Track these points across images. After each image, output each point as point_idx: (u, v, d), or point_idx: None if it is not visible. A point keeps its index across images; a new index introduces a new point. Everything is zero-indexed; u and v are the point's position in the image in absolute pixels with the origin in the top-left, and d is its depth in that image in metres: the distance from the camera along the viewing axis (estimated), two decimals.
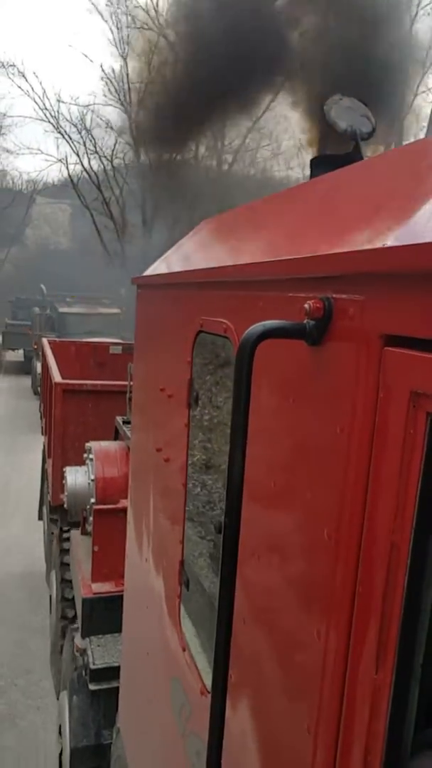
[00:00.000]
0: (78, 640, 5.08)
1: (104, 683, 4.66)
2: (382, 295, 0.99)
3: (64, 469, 5.58)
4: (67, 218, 40.56)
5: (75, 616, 5.85)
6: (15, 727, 5.80)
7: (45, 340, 9.61)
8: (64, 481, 5.56)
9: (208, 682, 1.85)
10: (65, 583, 6.36)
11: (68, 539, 6.60)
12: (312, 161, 3.50)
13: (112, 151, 27.12)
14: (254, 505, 1.35)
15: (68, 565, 6.41)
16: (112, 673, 4.60)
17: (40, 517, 9.80)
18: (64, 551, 6.65)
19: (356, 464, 1.03)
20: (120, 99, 25.97)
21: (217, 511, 2.14)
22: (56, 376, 6.68)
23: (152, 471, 2.59)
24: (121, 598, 4.10)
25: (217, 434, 2.19)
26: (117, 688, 4.27)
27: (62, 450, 6.39)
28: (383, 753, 1.00)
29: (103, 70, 26.21)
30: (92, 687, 4.70)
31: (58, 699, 5.85)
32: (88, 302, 19.51)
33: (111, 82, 25.84)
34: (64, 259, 34.37)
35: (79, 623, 5.15)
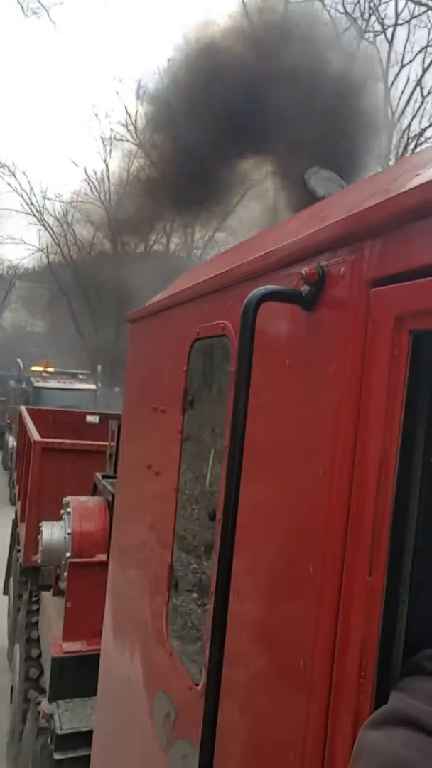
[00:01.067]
0: (44, 705, 4.82)
1: (71, 752, 4.40)
2: (367, 249, 1.19)
3: (40, 524, 5.50)
4: (45, 302, 41.48)
5: (40, 693, 5.58)
6: None
7: (23, 408, 9.67)
8: (39, 537, 5.47)
9: (195, 675, 1.86)
10: (30, 661, 6.06)
11: (37, 609, 6.39)
12: None
13: (91, 243, 28.93)
14: (253, 453, 1.47)
15: (36, 640, 6.15)
16: (81, 739, 4.35)
17: (5, 592, 9.44)
18: (32, 622, 6.41)
19: (348, 395, 1.18)
20: (101, 198, 28.21)
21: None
22: (35, 435, 6.71)
23: (142, 486, 2.67)
24: (93, 658, 3.97)
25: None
26: (85, 757, 4.05)
27: (38, 509, 6.32)
28: (377, 655, 1.08)
29: (86, 173, 28.61)
30: (57, 756, 4.43)
31: None
32: (64, 378, 19.58)
33: (93, 183, 28.15)
34: (40, 341, 34.91)
35: (47, 686, 4.91)
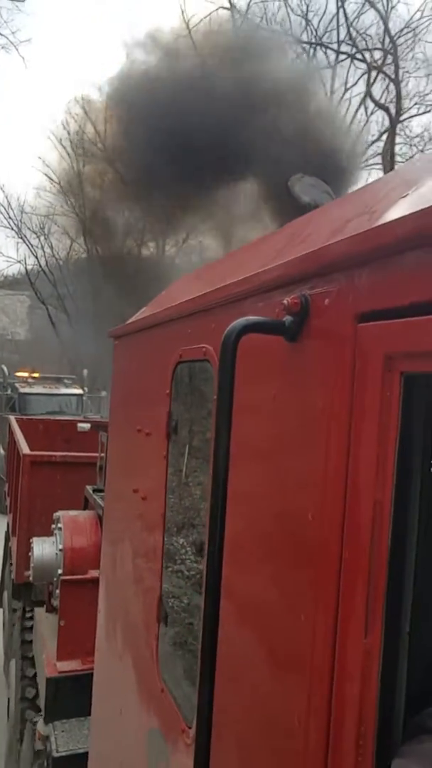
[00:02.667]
0: (40, 726, 4.72)
1: None
2: (353, 280, 1.10)
3: (30, 540, 5.40)
4: (25, 309, 41.38)
5: (36, 711, 5.48)
6: None
7: (12, 418, 9.55)
8: (30, 553, 5.37)
9: (188, 716, 1.78)
10: (26, 680, 5.95)
11: (31, 620, 6.29)
12: None
13: (68, 252, 29.73)
14: (238, 495, 1.38)
15: (31, 657, 6.04)
16: (78, 761, 4.25)
17: (0, 605, 9.33)
18: (26, 637, 6.31)
19: (337, 437, 1.09)
20: (75, 210, 29.15)
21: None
22: (24, 448, 6.60)
23: (129, 510, 2.58)
24: (88, 677, 3.88)
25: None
26: None
27: (29, 524, 6.22)
28: (376, 721, 1.00)
29: (61, 186, 29.58)
30: None
31: None
32: (50, 383, 19.28)
33: (68, 195, 29.11)
34: (21, 348, 34.94)
35: (42, 707, 4.81)
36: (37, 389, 18.34)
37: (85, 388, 19.48)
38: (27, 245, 32.05)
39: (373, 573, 1.00)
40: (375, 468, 1.01)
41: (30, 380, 19.18)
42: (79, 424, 10.01)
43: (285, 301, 1.24)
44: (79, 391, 19.07)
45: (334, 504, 1.07)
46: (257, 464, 1.39)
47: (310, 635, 1.09)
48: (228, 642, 1.27)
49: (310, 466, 1.16)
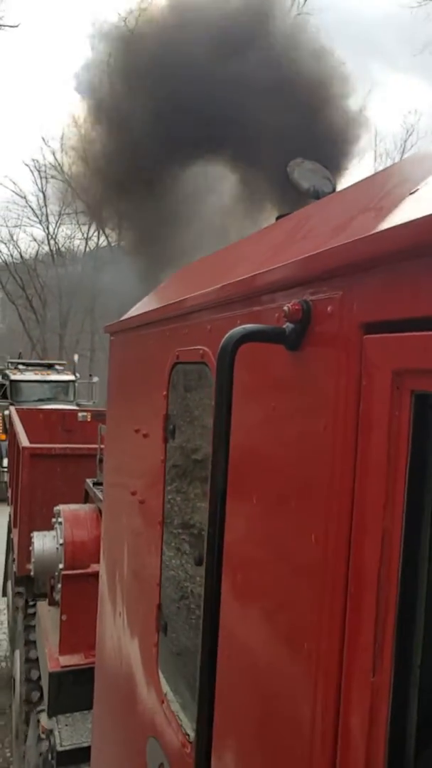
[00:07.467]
0: (44, 720, 4.73)
1: (72, 767, 4.31)
2: (359, 286, 1.01)
3: (31, 534, 5.36)
4: None
5: (40, 698, 5.49)
6: None
7: (13, 409, 9.52)
8: (31, 548, 5.34)
9: (190, 732, 1.72)
10: (31, 683, 5.96)
11: (34, 614, 6.28)
12: (277, 218, 3.68)
13: (35, 258, 33.06)
14: (237, 515, 1.31)
15: (34, 642, 6.04)
16: (82, 754, 4.25)
17: (5, 593, 9.35)
18: (30, 627, 6.30)
19: (342, 459, 1.01)
20: (40, 221, 32.83)
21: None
22: (24, 441, 6.55)
23: (127, 516, 2.51)
24: (91, 671, 3.85)
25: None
26: None
27: (29, 517, 6.18)
28: (386, 764, 0.93)
29: (27, 202, 33.47)
30: None
31: None
32: (41, 369, 19.14)
33: (33, 210, 31.06)
34: None
35: (45, 701, 4.81)
36: (29, 376, 18.22)
37: (77, 374, 19.42)
38: None
39: (381, 608, 0.92)
40: (384, 494, 0.93)
41: (21, 366, 19.01)
42: (80, 414, 9.98)
43: (286, 308, 1.15)
44: (71, 377, 18.97)
45: (338, 531, 1.00)
46: (256, 484, 1.31)
47: (313, 675, 1.02)
48: (225, 685, 1.20)
49: (312, 491, 1.08)
